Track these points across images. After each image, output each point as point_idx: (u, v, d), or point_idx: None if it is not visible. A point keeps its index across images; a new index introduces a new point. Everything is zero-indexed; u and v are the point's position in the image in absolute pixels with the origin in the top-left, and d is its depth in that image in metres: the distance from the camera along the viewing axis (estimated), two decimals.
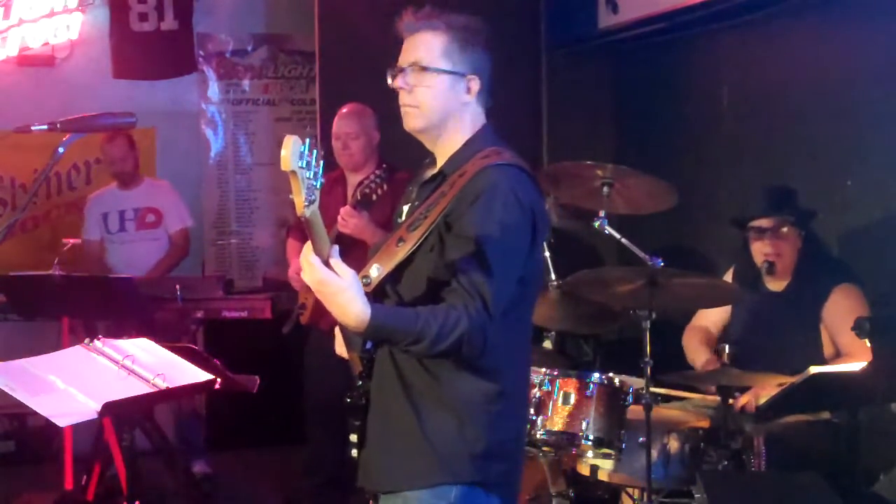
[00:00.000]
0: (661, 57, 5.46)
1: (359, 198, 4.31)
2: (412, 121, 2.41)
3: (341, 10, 5.42)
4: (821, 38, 4.42)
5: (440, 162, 2.45)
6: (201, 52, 6.55)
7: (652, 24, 5.09)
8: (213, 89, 6.63)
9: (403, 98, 2.41)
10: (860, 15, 4.15)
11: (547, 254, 4.41)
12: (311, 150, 1.97)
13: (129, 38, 6.33)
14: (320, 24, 5.60)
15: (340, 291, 2.12)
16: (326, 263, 2.11)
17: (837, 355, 3.82)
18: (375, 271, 2.27)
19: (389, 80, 2.43)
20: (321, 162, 1.99)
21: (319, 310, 4.51)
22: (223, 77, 6.64)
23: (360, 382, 2.38)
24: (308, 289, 4.54)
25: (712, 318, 4.27)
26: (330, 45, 5.53)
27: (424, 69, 2.37)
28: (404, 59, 2.41)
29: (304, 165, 1.95)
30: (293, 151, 1.93)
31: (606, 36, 5.43)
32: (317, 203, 2.02)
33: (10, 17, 6.00)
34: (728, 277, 4.18)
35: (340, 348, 2.50)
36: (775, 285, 4.05)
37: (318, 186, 2.00)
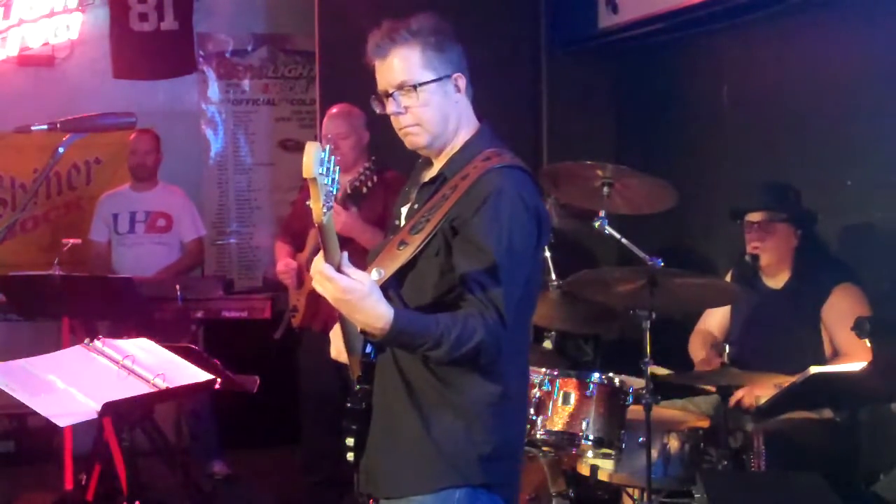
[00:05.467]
0: (661, 57, 5.46)
1: (349, 192, 4.31)
2: (416, 139, 2.39)
3: (341, 10, 5.42)
4: (821, 38, 4.42)
5: (438, 164, 2.43)
6: (201, 52, 6.55)
7: (652, 25, 5.08)
8: (213, 89, 6.63)
9: (400, 122, 2.37)
10: (860, 15, 4.15)
11: (547, 254, 4.41)
12: (329, 157, 1.95)
13: (129, 38, 6.33)
14: (320, 24, 5.60)
15: (365, 297, 2.10)
16: (339, 271, 2.09)
17: (836, 354, 3.82)
18: (377, 275, 2.24)
19: (378, 109, 2.40)
20: (337, 168, 1.98)
21: (312, 311, 4.54)
22: (223, 77, 6.64)
23: (359, 387, 2.36)
24: (299, 291, 4.59)
25: (716, 320, 4.27)
26: (330, 45, 5.53)
27: (415, 88, 2.33)
28: (387, 82, 2.36)
29: (323, 172, 1.94)
30: (315, 158, 1.91)
31: (606, 36, 5.42)
32: (332, 210, 2.02)
33: (10, 17, 6.00)
34: (728, 279, 4.18)
35: (336, 352, 2.48)
36: (774, 283, 4.05)
37: (334, 193, 1.99)
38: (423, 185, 2.45)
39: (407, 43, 2.34)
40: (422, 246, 2.28)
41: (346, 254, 2.10)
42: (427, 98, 2.34)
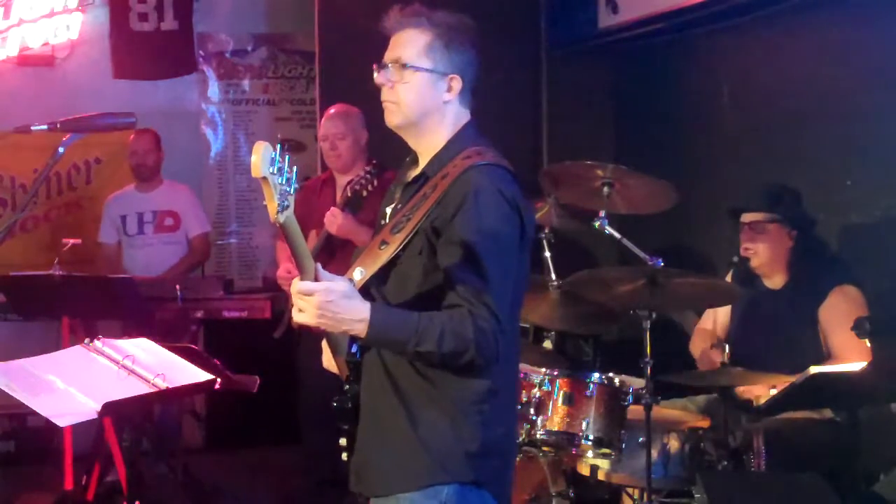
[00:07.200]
0: (661, 57, 5.47)
1: (349, 195, 4.30)
2: (391, 117, 2.42)
3: (341, 10, 5.42)
4: (821, 39, 4.42)
5: (422, 162, 2.44)
6: (201, 52, 6.55)
7: (652, 25, 5.09)
8: (213, 89, 6.63)
9: (385, 94, 2.42)
10: (860, 15, 4.15)
11: (547, 254, 4.42)
12: (282, 156, 1.95)
13: (129, 38, 6.33)
14: (320, 23, 5.60)
15: (343, 296, 2.14)
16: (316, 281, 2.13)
17: (829, 356, 3.81)
18: (359, 274, 2.28)
19: (374, 76, 2.44)
20: (294, 168, 1.97)
21: None
22: (223, 77, 6.64)
23: (347, 387, 2.38)
24: None
25: (718, 319, 4.27)
26: (330, 45, 5.53)
27: (405, 66, 2.37)
28: (388, 55, 2.41)
29: (275, 171, 1.94)
30: (263, 157, 1.92)
31: (606, 36, 5.42)
32: (291, 209, 2.00)
33: (10, 17, 6.00)
34: (729, 279, 4.18)
35: (328, 362, 2.49)
36: (772, 283, 4.05)
37: (291, 192, 1.98)
38: (406, 185, 2.46)
39: (420, 27, 2.39)
40: (402, 245, 2.30)
41: (318, 265, 2.15)
42: (414, 82, 2.37)
